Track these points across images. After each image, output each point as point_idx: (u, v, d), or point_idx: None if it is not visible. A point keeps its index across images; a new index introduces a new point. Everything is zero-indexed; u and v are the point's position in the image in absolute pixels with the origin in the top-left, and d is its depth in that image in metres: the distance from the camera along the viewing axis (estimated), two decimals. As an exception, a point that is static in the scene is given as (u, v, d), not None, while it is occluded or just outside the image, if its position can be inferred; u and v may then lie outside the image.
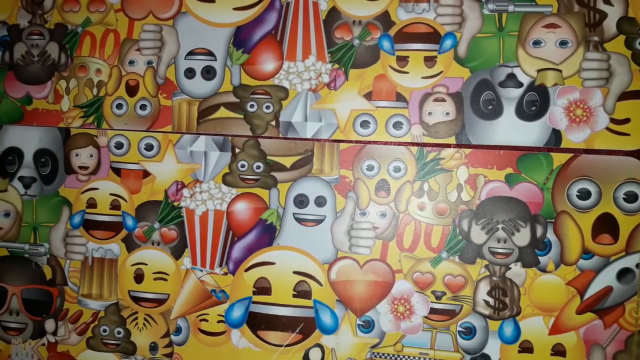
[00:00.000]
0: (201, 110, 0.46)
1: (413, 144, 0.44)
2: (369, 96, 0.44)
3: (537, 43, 0.42)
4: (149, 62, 0.47)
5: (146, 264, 0.47)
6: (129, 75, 0.47)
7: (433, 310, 0.44)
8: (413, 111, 0.44)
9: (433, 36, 0.44)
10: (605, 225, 0.42)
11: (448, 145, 0.43)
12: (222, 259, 0.46)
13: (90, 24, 0.48)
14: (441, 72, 0.43)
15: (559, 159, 0.42)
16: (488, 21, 0.43)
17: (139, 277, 0.47)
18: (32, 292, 0.49)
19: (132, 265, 0.47)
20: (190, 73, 0.47)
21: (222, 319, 0.46)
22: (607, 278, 0.42)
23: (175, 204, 0.47)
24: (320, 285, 0.45)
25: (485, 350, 0.43)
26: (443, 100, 0.43)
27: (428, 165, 0.44)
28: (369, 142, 0.44)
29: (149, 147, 0.47)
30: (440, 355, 0.44)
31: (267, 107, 0.45)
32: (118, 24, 0.48)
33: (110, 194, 0.47)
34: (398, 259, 0.44)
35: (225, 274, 0.46)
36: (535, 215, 0.42)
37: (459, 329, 0.44)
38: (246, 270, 0.46)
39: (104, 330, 0.48)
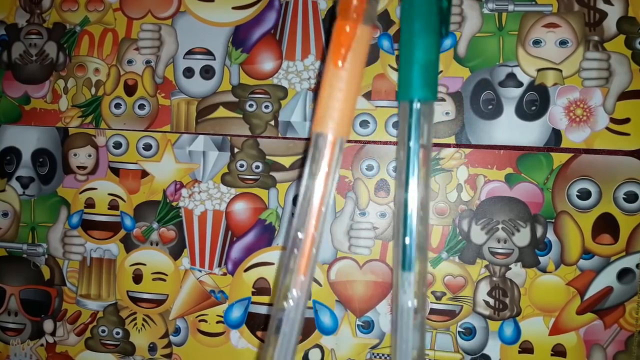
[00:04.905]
0: (200, 110, 0.46)
1: (413, 143, 0.44)
2: (368, 95, 0.44)
3: (537, 42, 0.42)
4: (148, 62, 0.47)
5: (145, 264, 0.47)
6: (128, 75, 0.47)
7: (433, 311, 0.44)
8: (413, 111, 0.44)
9: (433, 35, 0.43)
10: (606, 225, 0.42)
11: (448, 145, 0.43)
12: (221, 259, 0.46)
13: (89, 23, 0.48)
14: (441, 71, 0.43)
15: (559, 158, 0.42)
16: (488, 20, 0.43)
17: (137, 278, 0.47)
18: (31, 293, 0.49)
19: (130, 265, 0.47)
20: (189, 72, 0.46)
21: (221, 319, 0.46)
22: (607, 278, 0.42)
23: (174, 204, 0.46)
24: (320, 285, 0.45)
25: (485, 351, 0.43)
26: (443, 99, 0.43)
27: (428, 165, 0.43)
28: (369, 142, 0.44)
29: (148, 147, 0.47)
30: (440, 356, 0.44)
31: (266, 107, 0.45)
32: (116, 23, 0.48)
33: (109, 194, 0.47)
34: (398, 259, 0.44)
35: (224, 274, 0.46)
36: (535, 215, 0.42)
37: (459, 329, 0.43)
38: (245, 270, 0.46)
39: (103, 331, 0.48)
